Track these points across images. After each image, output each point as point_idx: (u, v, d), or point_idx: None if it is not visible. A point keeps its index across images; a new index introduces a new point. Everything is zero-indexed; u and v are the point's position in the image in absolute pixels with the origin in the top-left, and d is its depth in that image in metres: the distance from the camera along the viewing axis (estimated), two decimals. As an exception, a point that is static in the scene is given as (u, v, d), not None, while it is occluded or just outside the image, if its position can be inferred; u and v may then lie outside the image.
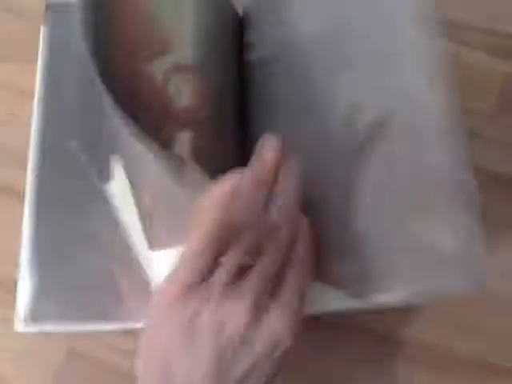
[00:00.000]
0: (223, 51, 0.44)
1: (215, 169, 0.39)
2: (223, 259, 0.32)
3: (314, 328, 0.40)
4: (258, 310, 0.31)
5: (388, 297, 0.35)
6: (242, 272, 0.32)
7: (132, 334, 0.40)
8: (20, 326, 0.39)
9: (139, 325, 0.39)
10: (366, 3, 0.40)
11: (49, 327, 0.38)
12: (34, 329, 0.39)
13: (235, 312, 0.31)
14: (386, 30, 0.39)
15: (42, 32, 0.45)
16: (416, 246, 0.34)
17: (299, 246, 0.34)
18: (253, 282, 0.31)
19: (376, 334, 0.42)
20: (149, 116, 0.41)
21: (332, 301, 0.36)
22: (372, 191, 0.36)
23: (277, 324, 0.31)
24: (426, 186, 0.35)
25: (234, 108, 0.44)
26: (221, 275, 0.31)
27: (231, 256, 0.32)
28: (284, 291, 0.32)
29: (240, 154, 0.42)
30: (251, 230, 0.32)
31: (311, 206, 0.36)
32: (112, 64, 0.41)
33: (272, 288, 0.32)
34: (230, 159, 0.41)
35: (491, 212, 0.43)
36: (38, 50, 0.46)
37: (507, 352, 0.41)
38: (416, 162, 0.36)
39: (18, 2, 0.50)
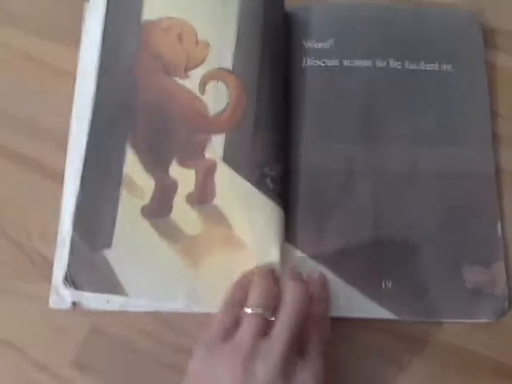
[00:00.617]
0: (266, 56, 0.45)
1: (248, 172, 0.41)
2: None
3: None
4: (287, 371, 0.33)
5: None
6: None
7: (153, 315, 0.41)
8: (53, 301, 0.41)
9: (163, 308, 0.40)
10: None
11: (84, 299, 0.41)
12: (66, 304, 0.41)
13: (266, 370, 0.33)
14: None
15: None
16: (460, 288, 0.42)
17: (318, 305, 0.38)
18: (280, 336, 0.33)
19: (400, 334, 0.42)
20: (183, 123, 0.42)
21: (366, 309, 0.41)
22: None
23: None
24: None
25: (273, 113, 0.44)
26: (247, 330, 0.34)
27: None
28: (309, 351, 0.35)
29: (276, 157, 0.43)
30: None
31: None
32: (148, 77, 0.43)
33: (298, 347, 0.34)
34: (263, 163, 0.42)
35: None
36: (79, 29, 0.47)
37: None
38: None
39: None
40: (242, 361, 0.33)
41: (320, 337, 0.36)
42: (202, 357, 0.35)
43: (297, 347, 0.34)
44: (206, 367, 0.34)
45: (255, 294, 0.36)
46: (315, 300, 0.38)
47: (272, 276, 0.39)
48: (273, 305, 0.36)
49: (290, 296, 0.36)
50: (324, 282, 0.40)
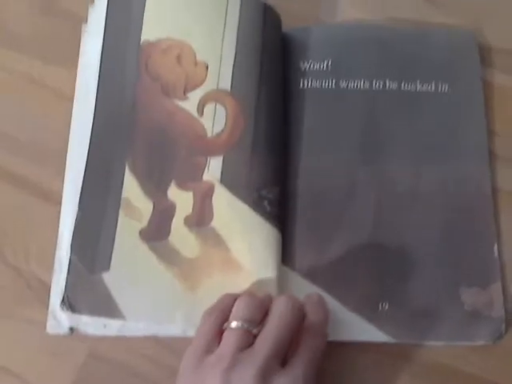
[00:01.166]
0: (264, 78, 0.45)
1: (245, 194, 0.41)
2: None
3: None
4: (266, 379, 0.33)
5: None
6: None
7: (153, 339, 0.41)
8: (51, 326, 0.41)
9: (162, 332, 0.40)
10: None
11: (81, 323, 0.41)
12: (63, 329, 0.41)
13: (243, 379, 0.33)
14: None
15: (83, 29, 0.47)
16: (458, 310, 0.42)
17: (311, 317, 0.37)
18: (262, 349, 0.34)
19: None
20: (182, 145, 0.42)
21: (363, 333, 0.41)
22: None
23: None
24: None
25: (271, 135, 0.44)
26: (229, 342, 0.34)
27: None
28: (292, 362, 0.34)
29: (274, 179, 0.43)
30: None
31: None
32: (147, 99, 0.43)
33: (284, 358, 0.34)
34: (261, 185, 0.43)
35: None
36: (77, 51, 0.47)
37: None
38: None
39: (60, 2, 0.50)
40: (222, 373, 0.33)
41: (308, 350, 0.35)
42: (186, 370, 0.35)
43: (282, 359, 0.34)
44: (191, 380, 0.34)
45: (240, 307, 0.36)
46: (309, 314, 0.38)
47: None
48: (259, 318, 0.36)
49: (278, 309, 0.36)
50: (321, 302, 0.40)
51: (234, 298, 0.37)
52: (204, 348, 0.35)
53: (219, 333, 0.36)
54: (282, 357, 0.34)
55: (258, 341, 0.34)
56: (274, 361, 0.33)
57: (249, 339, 0.34)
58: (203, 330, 0.36)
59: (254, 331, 0.35)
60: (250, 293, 0.38)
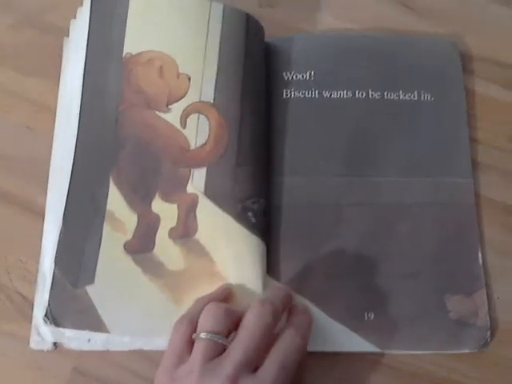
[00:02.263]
0: (247, 88, 0.45)
1: (229, 206, 0.41)
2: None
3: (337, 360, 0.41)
4: None
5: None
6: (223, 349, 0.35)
7: (139, 353, 0.41)
8: (34, 342, 0.41)
9: (147, 346, 0.40)
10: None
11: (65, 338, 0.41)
12: (47, 345, 0.41)
13: None
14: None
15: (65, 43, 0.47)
16: (443, 318, 0.42)
17: (288, 323, 0.37)
18: (231, 358, 0.34)
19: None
20: (166, 157, 0.42)
21: (349, 343, 0.41)
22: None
23: None
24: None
25: (255, 146, 0.44)
26: (197, 353, 0.34)
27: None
28: (264, 367, 0.34)
29: (258, 190, 0.43)
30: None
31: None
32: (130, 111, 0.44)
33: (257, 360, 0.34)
34: (245, 196, 0.43)
35: (500, 244, 0.45)
36: (59, 64, 0.47)
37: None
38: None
39: (42, 16, 0.50)
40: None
41: (281, 353, 0.35)
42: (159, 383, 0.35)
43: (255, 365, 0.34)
44: None
45: (206, 318, 0.36)
46: (290, 320, 0.38)
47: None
48: (226, 328, 0.35)
49: (250, 319, 0.36)
50: (305, 308, 0.40)
51: (204, 304, 0.37)
52: (175, 360, 0.35)
53: (190, 342, 0.35)
54: (254, 365, 0.34)
55: (228, 350, 0.34)
56: (244, 369, 0.33)
57: (218, 349, 0.34)
58: (173, 341, 0.36)
59: (222, 342, 0.35)
60: (216, 302, 0.38)
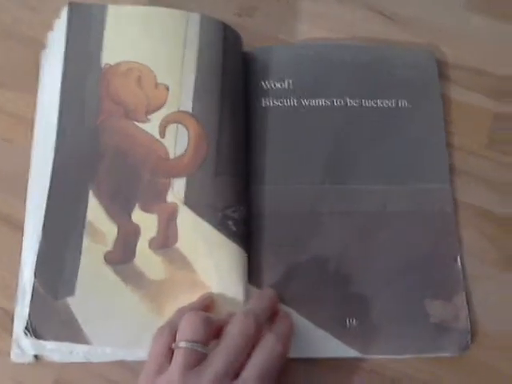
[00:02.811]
0: (225, 98, 0.45)
1: (209, 215, 0.41)
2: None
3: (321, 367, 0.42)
4: None
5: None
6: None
7: (120, 364, 0.40)
8: (15, 355, 0.40)
9: (129, 357, 0.40)
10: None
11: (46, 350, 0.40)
12: (28, 358, 0.40)
13: None
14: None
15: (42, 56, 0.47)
16: (424, 323, 0.42)
17: (269, 331, 0.37)
18: (211, 367, 0.34)
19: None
20: (145, 167, 0.42)
21: (332, 349, 0.42)
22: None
23: None
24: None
25: (234, 155, 0.45)
26: (177, 362, 0.34)
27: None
28: (242, 378, 0.34)
29: (238, 199, 0.44)
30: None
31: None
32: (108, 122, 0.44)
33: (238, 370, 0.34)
34: (225, 205, 0.43)
35: (478, 248, 0.45)
36: (37, 77, 0.47)
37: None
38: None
39: (19, 28, 0.50)
40: None
41: (263, 359, 0.35)
42: None
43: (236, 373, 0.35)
44: None
45: (184, 327, 0.36)
46: (272, 327, 0.38)
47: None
48: (205, 336, 0.35)
49: (231, 329, 0.36)
50: (286, 315, 0.41)
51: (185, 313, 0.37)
52: (155, 369, 0.35)
53: (170, 352, 0.35)
54: (235, 373, 0.34)
55: (209, 358, 0.34)
56: (224, 377, 0.34)
57: (198, 357, 0.34)
58: (153, 351, 0.36)
59: (202, 350, 0.35)
60: (195, 310, 0.38)
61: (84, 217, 0.42)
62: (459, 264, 0.44)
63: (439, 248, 0.45)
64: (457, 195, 0.47)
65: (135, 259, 0.42)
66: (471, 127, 0.49)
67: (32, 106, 0.46)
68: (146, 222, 0.43)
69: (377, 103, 0.48)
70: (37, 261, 0.41)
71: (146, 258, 0.42)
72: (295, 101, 0.48)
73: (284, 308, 0.42)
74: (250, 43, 0.49)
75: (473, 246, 0.45)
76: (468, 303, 0.43)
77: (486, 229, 0.46)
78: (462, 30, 0.53)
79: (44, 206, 0.42)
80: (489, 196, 0.47)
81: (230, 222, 0.42)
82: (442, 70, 0.51)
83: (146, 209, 0.43)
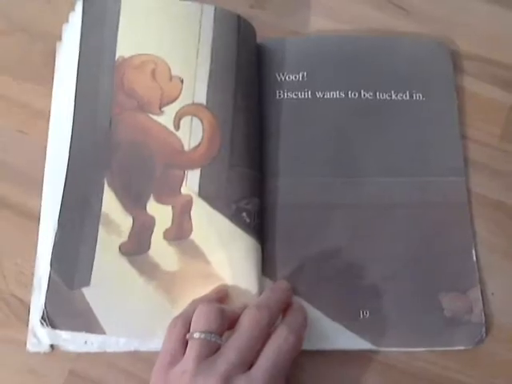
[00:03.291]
0: (240, 90, 0.45)
1: (223, 206, 0.41)
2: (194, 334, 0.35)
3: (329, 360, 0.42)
4: None
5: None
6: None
7: (134, 354, 0.41)
8: (31, 344, 0.41)
9: (143, 347, 0.40)
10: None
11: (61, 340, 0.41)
12: (44, 347, 0.41)
13: None
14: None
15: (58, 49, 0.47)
16: (438, 316, 0.42)
17: (282, 322, 0.37)
18: (225, 357, 0.34)
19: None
20: (159, 159, 0.43)
21: (345, 341, 0.42)
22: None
23: None
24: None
25: (248, 147, 0.45)
26: (191, 352, 0.34)
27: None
28: (254, 369, 0.34)
29: (251, 191, 0.44)
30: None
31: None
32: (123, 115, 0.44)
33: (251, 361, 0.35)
34: (239, 197, 0.43)
35: (493, 240, 0.45)
36: (52, 69, 0.47)
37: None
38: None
39: (34, 21, 0.51)
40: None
41: (274, 352, 0.35)
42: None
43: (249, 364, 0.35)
44: None
45: (198, 318, 0.36)
46: (285, 319, 0.38)
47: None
48: (219, 327, 0.36)
49: (245, 321, 0.36)
50: (300, 307, 0.40)
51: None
52: (169, 360, 0.35)
53: (184, 344, 0.36)
54: (248, 364, 0.35)
55: (222, 349, 0.35)
56: (237, 368, 0.34)
57: (211, 348, 0.35)
58: (167, 342, 0.36)
59: (216, 340, 0.35)
60: (209, 301, 0.38)
61: (99, 208, 0.43)
62: (474, 256, 0.44)
63: (453, 240, 0.44)
64: (471, 187, 0.46)
65: (150, 250, 0.42)
66: (485, 119, 0.49)
67: (48, 98, 0.47)
68: (160, 213, 0.43)
69: (391, 95, 0.48)
70: (53, 252, 0.42)
71: (160, 249, 0.42)
72: (309, 93, 0.48)
73: (297, 300, 0.42)
74: (263, 35, 0.49)
75: (487, 238, 0.45)
76: (482, 296, 0.43)
77: (501, 221, 0.46)
78: (476, 20, 0.52)
79: (60, 197, 0.43)
80: (503, 187, 0.47)
81: (244, 214, 0.42)
82: (456, 61, 0.50)
83: (160, 200, 0.43)
